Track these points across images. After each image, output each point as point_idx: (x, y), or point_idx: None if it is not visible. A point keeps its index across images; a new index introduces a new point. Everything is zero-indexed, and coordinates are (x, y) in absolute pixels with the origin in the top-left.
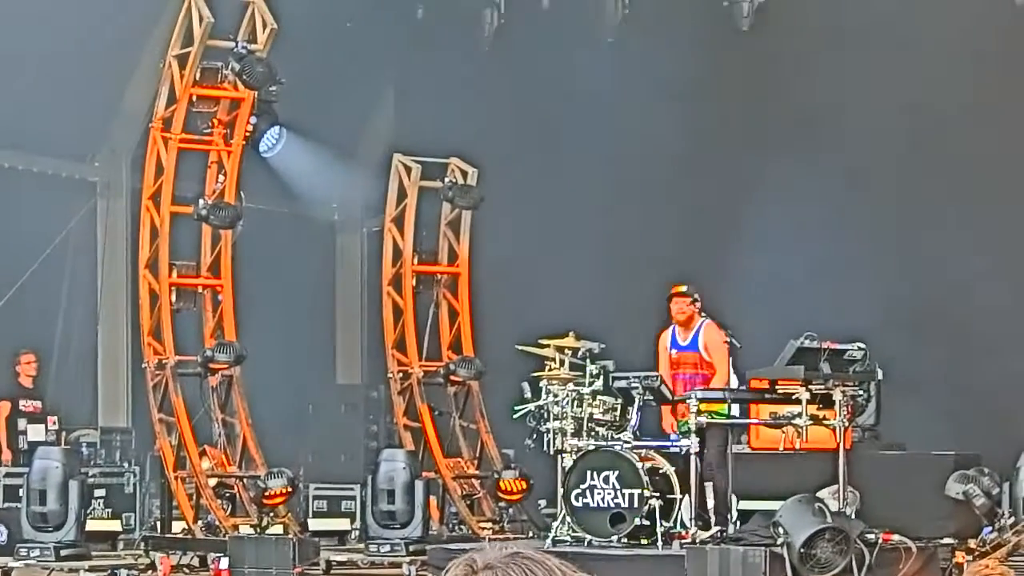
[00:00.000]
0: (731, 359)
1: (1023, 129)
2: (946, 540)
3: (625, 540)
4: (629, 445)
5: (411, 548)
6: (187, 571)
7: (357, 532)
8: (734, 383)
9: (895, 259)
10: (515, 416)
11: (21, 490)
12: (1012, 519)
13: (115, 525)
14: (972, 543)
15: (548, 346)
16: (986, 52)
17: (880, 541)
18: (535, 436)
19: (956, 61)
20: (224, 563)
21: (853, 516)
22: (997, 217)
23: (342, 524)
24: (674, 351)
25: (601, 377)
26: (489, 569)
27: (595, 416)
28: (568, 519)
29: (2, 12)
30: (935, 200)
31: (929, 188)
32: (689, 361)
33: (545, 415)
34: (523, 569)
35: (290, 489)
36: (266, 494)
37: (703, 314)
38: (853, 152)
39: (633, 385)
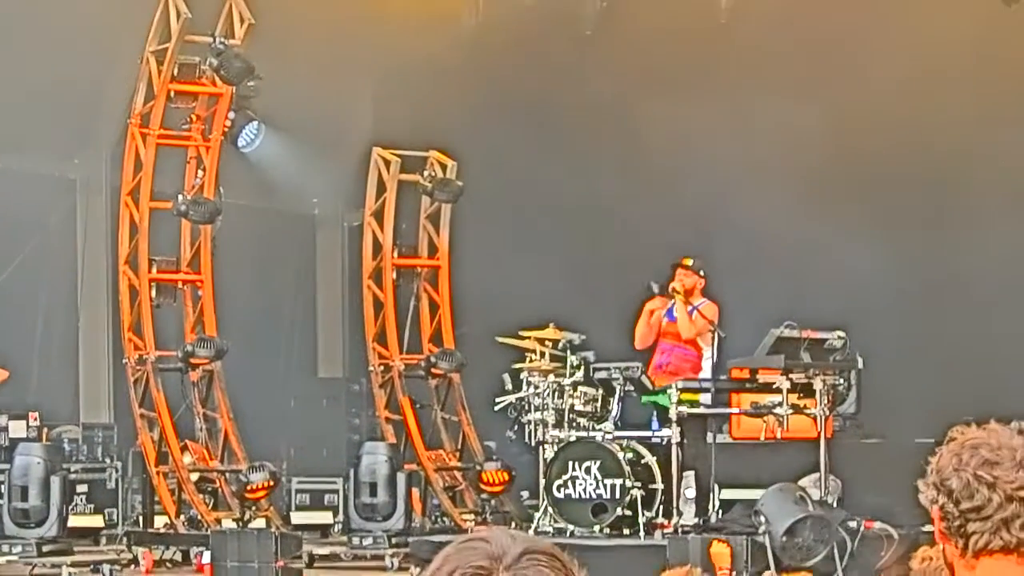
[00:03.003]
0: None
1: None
2: (928, 528)
3: (607, 530)
4: (610, 435)
5: (393, 540)
6: (169, 566)
7: (339, 525)
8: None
9: (878, 244)
10: (496, 408)
11: (2, 487)
12: None
13: (97, 521)
14: None
15: (528, 338)
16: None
17: (862, 529)
18: (516, 428)
19: (951, 33)
20: (206, 557)
21: (835, 504)
22: (992, 200)
23: (324, 517)
24: (667, 319)
25: (582, 368)
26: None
27: (576, 407)
28: (550, 510)
29: None
30: (924, 182)
31: (917, 170)
32: (677, 332)
33: (526, 406)
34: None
35: (272, 483)
36: (248, 488)
37: (704, 294)
38: (834, 136)
39: (614, 376)
